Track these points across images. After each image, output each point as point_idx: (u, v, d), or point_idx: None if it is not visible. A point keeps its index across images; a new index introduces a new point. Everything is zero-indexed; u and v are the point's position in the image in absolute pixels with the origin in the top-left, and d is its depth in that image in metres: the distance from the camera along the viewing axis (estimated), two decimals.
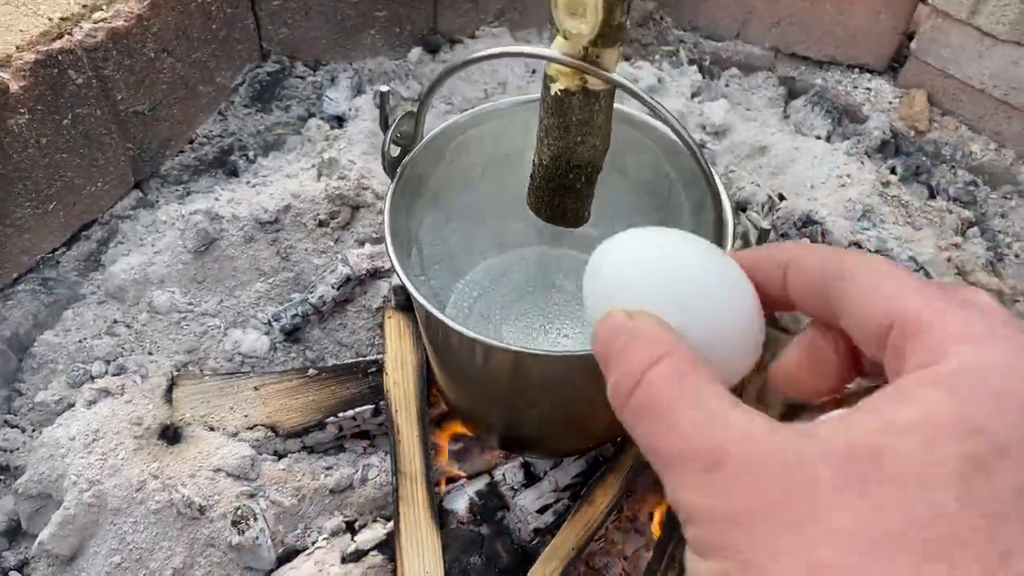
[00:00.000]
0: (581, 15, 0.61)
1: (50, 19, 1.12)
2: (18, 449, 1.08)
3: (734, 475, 0.27)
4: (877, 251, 1.26)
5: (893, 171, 1.51)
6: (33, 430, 1.10)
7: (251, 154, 1.35)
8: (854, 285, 0.32)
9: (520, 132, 0.94)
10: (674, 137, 0.88)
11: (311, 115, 1.39)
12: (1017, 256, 1.45)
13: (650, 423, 0.31)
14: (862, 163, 1.50)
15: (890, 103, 1.62)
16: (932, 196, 1.52)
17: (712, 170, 0.69)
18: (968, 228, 1.46)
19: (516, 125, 0.93)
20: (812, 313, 0.37)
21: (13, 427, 1.11)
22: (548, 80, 0.68)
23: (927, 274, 1.24)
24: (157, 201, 1.29)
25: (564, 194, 0.75)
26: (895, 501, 0.25)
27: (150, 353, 1.13)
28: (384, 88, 0.78)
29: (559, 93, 0.67)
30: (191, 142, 1.34)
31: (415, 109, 0.84)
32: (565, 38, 0.64)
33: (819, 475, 0.26)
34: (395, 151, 0.84)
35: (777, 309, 0.38)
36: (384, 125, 0.81)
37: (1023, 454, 0.25)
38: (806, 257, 0.36)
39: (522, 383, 0.89)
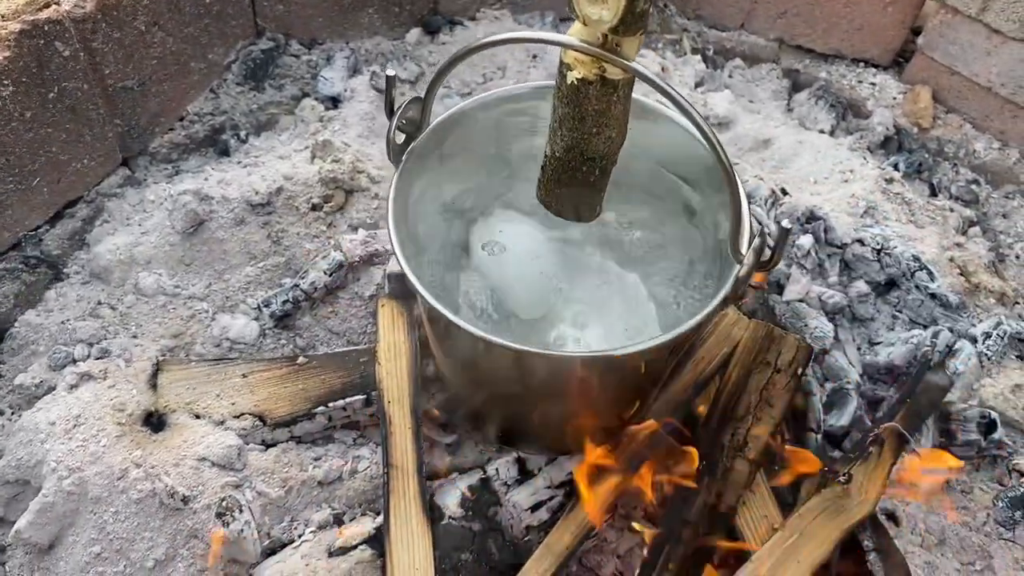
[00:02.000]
0: (603, 1, 0.58)
1: None
2: None
3: None
4: (880, 249, 1.23)
5: (896, 167, 1.49)
6: (12, 413, 1.07)
7: (243, 133, 1.31)
8: None
9: (530, 119, 0.91)
10: (693, 132, 0.86)
11: (305, 95, 1.36)
12: (1018, 257, 1.44)
13: None
14: (865, 159, 1.48)
15: (894, 99, 1.60)
16: (933, 194, 1.50)
17: (735, 173, 0.66)
18: (969, 227, 1.44)
19: (525, 112, 0.90)
20: None
21: None
22: (564, 68, 0.65)
23: (930, 274, 1.22)
24: (145, 179, 1.26)
25: (577, 187, 0.72)
26: None
27: (135, 336, 1.10)
28: (390, 72, 0.75)
29: (576, 82, 0.64)
30: (181, 119, 1.31)
31: (420, 95, 0.81)
32: (584, 24, 0.61)
33: None
34: (400, 138, 0.81)
35: None
36: (390, 111, 0.77)
37: None
38: None
39: (524, 380, 0.86)
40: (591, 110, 0.67)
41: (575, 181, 0.73)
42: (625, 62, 0.61)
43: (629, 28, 0.60)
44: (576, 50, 0.63)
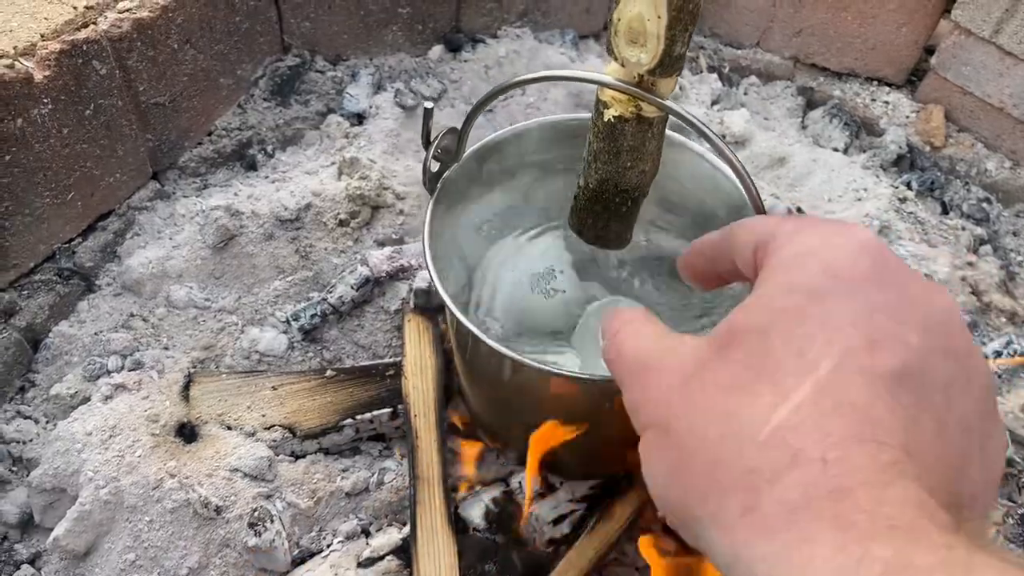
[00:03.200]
0: (642, 44, 0.60)
1: (75, 7, 1.11)
2: (31, 441, 1.08)
3: (652, 371, 0.40)
4: None
5: (908, 186, 1.52)
6: (47, 422, 1.10)
7: (269, 148, 1.34)
8: (738, 232, 0.45)
9: (558, 150, 0.93)
10: (719, 163, 0.89)
11: (330, 111, 1.38)
12: None
13: (617, 361, 0.43)
14: (878, 177, 1.50)
15: (907, 117, 1.62)
16: (945, 212, 1.53)
17: (764, 205, 0.69)
18: (980, 246, 1.47)
19: (556, 143, 0.93)
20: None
21: (26, 418, 1.10)
22: (601, 106, 0.67)
23: None
24: (174, 193, 1.28)
25: (608, 217, 0.75)
26: (740, 355, 0.36)
27: (166, 348, 1.13)
28: (429, 104, 0.77)
29: (612, 120, 0.66)
30: (210, 134, 1.33)
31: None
32: (623, 65, 0.63)
33: (703, 355, 0.38)
34: (435, 166, 0.83)
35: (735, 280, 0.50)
36: (427, 141, 0.80)
37: (836, 297, 0.36)
38: (739, 231, 0.46)
39: (547, 401, 0.89)
40: (626, 146, 0.69)
41: (607, 211, 0.75)
42: (663, 102, 0.63)
43: (667, 70, 0.62)
44: (615, 89, 0.65)
